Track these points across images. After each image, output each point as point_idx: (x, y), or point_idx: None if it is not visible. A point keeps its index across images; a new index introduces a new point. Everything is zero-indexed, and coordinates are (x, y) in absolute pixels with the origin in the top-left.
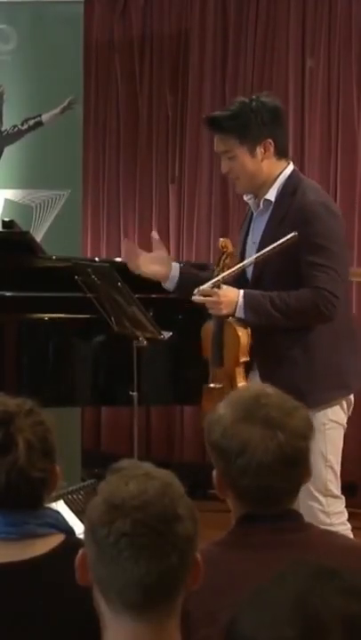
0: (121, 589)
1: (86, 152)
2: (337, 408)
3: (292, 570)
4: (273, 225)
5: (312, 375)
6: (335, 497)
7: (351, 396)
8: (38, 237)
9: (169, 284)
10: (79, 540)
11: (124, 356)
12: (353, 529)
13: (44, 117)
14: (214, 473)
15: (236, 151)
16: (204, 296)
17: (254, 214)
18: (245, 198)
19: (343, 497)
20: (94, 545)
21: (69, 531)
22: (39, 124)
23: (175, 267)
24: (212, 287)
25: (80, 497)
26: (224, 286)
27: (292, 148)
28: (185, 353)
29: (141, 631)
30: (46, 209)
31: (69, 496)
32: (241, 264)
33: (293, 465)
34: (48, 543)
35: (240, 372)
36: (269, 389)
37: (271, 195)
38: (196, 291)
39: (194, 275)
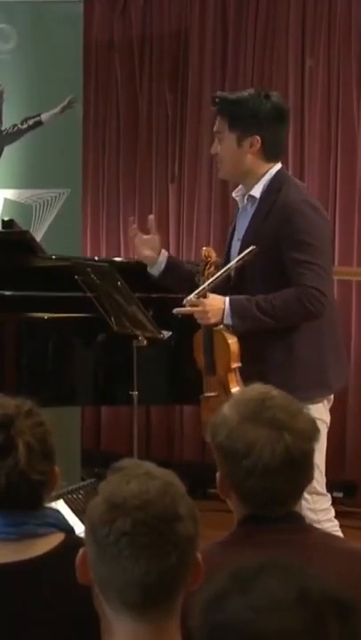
0: (121, 589)
1: (86, 151)
2: (320, 406)
3: (271, 562)
4: (257, 221)
5: (294, 374)
6: (321, 494)
7: (331, 395)
8: (38, 237)
9: (155, 270)
10: (79, 538)
11: (123, 355)
12: (353, 528)
13: (44, 117)
14: (218, 474)
15: (225, 134)
16: (191, 306)
17: (239, 210)
18: (234, 195)
19: (328, 494)
20: (95, 544)
21: (69, 530)
22: (39, 123)
23: (163, 253)
24: (198, 297)
25: (80, 496)
26: (210, 295)
27: (291, 148)
28: (184, 352)
29: (141, 631)
30: (46, 208)
31: (69, 495)
32: (221, 271)
33: (299, 467)
34: (48, 542)
35: (233, 378)
36: (274, 391)
37: (256, 191)
38: (184, 302)
39: (181, 265)
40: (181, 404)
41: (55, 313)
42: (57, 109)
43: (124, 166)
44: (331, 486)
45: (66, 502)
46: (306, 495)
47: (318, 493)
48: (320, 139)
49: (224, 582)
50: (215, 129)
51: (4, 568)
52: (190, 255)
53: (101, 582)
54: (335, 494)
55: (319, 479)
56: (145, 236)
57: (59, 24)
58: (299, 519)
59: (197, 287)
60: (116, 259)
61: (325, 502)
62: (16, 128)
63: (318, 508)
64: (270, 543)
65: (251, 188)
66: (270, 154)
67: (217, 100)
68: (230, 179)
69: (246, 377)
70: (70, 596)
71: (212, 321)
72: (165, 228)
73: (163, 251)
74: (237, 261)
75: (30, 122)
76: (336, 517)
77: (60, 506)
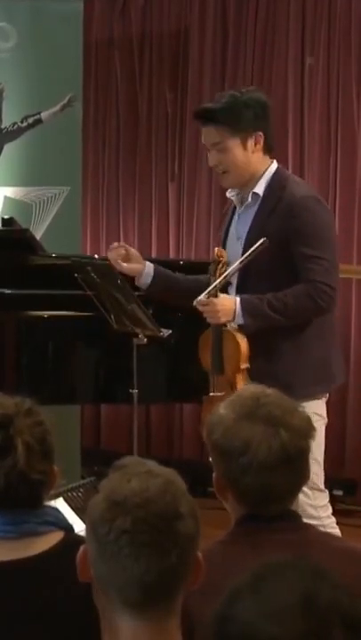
0: (121, 587)
1: (86, 150)
2: (321, 402)
3: (289, 565)
4: (261, 218)
5: (300, 368)
6: (320, 490)
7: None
8: (38, 235)
9: (143, 280)
10: (79, 537)
11: (123, 353)
12: (353, 527)
13: (44, 115)
14: (214, 475)
15: (228, 142)
16: (202, 306)
17: (238, 210)
18: (228, 195)
19: (327, 491)
20: (95, 542)
21: (69, 528)
22: (39, 121)
23: (149, 264)
24: (208, 296)
25: (80, 494)
26: (221, 294)
27: (291, 146)
28: (184, 351)
29: (141, 629)
30: (46, 206)
31: (69, 494)
32: (230, 269)
33: (295, 464)
34: (48, 541)
35: (241, 378)
36: (268, 390)
37: (259, 189)
38: (194, 302)
39: (170, 274)
40: (181, 403)
41: (55, 311)
42: (57, 108)
43: (123, 164)
44: (331, 484)
45: (66, 500)
46: (307, 491)
47: (319, 489)
48: (320, 136)
49: (246, 578)
50: (212, 142)
51: (4, 566)
52: (190, 253)
53: (101, 580)
54: (335, 492)
55: (319, 474)
56: (123, 252)
57: (58, 22)
58: (296, 518)
59: (208, 286)
60: None
61: (325, 498)
62: (16, 126)
63: (319, 505)
64: (269, 542)
65: (253, 186)
66: (270, 147)
67: (205, 114)
68: (237, 186)
69: (255, 374)
70: (70, 594)
71: (223, 320)
72: (165, 227)
73: (148, 263)
74: (248, 255)
75: (30, 120)
76: (336, 515)
77: (60, 504)
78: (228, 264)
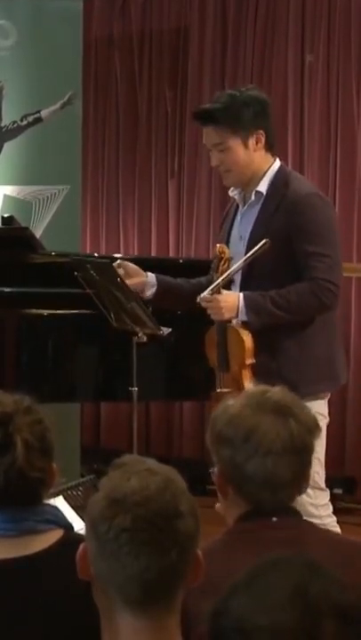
0: (121, 585)
1: (85, 148)
2: (324, 402)
3: (283, 560)
4: (265, 216)
5: (304, 367)
6: (321, 489)
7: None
8: (38, 233)
9: (148, 289)
10: (79, 535)
11: (123, 351)
12: (353, 525)
13: (44, 113)
14: (215, 470)
15: (229, 142)
16: (206, 302)
17: (241, 209)
18: (231, 193)
19: (328, 490)
20: (95, 540)
21: (69, 526)
22: (38, 120)
23: (150, 274)
24: (212, 293)
25: (79, 493)
26: (224, 291)
27: (291, 143)
28: (184, 349)
29: (141, 627)
30: (45, 205)
31: (68, 492)
32: (234, 267)
33: (299, 456)
34: (47, 539)
35: (247, 374)
36: (276, 388)
37: (262, 187)
38: (198, 299)
39: (170, 280)
40: (181, 401)
41: (55, 309)
42: (57, 106)
43: (123, 162)
44: (331, 482)
45: (65, 499)
46: (308, 489)
47: (320, 488)
48: (320, 134)
49: (241, 575)
50: (213, 142)
51: (4, 564)
52: (190, 251)
53: (101, 578)
54: (335, 490)
55: (321, 473)
56: (122, 272)
57: (58, 20)
58: (296, 515)
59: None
60: (116, 255)
61: (325, 497)
62: (16, 125)
63: (320, 503)
64: (269, 539)
65: (256, 185)
66: (271, 145)
67: (205, 114)
68: (239, 185)
69: (260, 372)
70: (70, 592)
71: (227, 317)
72: (165, 224)
73: (148, 273)
74: (251, 255)
75: (30, 118)
76: (336, 514)
77: (60, 502)
78: (230, 260)
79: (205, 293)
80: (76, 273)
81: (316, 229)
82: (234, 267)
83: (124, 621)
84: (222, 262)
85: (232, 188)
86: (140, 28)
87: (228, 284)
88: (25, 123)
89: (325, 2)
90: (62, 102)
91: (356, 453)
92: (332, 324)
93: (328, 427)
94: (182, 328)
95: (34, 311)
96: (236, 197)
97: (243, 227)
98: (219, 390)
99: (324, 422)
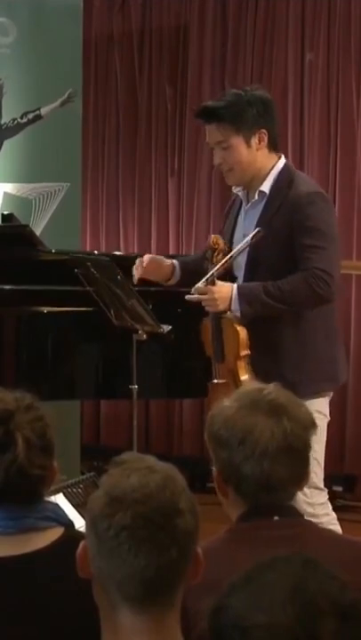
0: (121, 582)
1: (85, 145)
2: (325, 400)
3: (282, 559)
4: (268, 215)
5: (304, 366)
6: (318, 489)
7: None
8: (38, 231)
9: (175, 276)
10: (79, 532)
11: (123, 349)
12: (353, 522)
13: (44, 111)
14: (214, 471)
15: (232, 140)
16: (200, 294)
17: (245, 207)
18: (235, 190)
19: (326, 489)
20: (95, 538)
21: (69, 524)
22: (38, 117)
23: (172, 260)
24: (206, 284)
25: (79, 490)
26: (218, 282)
27: (291, 141)
28: (184, 346)
29: (141, 624)
30: (45, 202)
31: (69, 489)
32: (227, 257)
33: (296, 454)
34: (48, 536)
35: (242, 365)
36: (272, 385)
37: (266, 186)
38: (193, 290)
39: (188, 261)
40: (181, 399)
41: (55, 307)
42: (57, 103)
43: (123, 160)
44: (331, 480)
45: (65, 496)
46: (304, 488)
47: (316, 487)
48: (320, 132)
49: (241, 573)
50: (215, 140)
51: (4, 562)
52: (190, 248)
53: (101, 576)
54: (335, 488)
55: (318, 473)
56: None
57: (58, 18)
58: (296, 514)
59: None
60: (116, 252)
61: (323, 497)
62: (16, 122)
63: (316, 502)
64: (269, 538)
65: (259, 184)
66: (274, 145)
67: (207, 111)
68: (242, 183)
69: (261, 372)
70: (70, 589)
71: (221, 308)
72: (165, 222)
73: (166, 260)
74: (244, 245)
75: (30, 116)
76: (336, 511)
77: (60, 500)
78: (224, 251)
79: (200, 284)
80: (76, 270)
81: (315, 224)
82: (226, 258)
83: (124, 619)
84: (216, 253)
85: (236, 186)
86: (140, 25)
87: (222, 275)
88: (25, 120)
89: (325, 0)
90: (62, 100)
91: (356, 451)
92: (333, 323)
93: (328, 424)
94: (183, 325)
95: (34, 308)
96: (239, 194)
97: (246, 225)
98: (215, 381)
99: (324, 421)
